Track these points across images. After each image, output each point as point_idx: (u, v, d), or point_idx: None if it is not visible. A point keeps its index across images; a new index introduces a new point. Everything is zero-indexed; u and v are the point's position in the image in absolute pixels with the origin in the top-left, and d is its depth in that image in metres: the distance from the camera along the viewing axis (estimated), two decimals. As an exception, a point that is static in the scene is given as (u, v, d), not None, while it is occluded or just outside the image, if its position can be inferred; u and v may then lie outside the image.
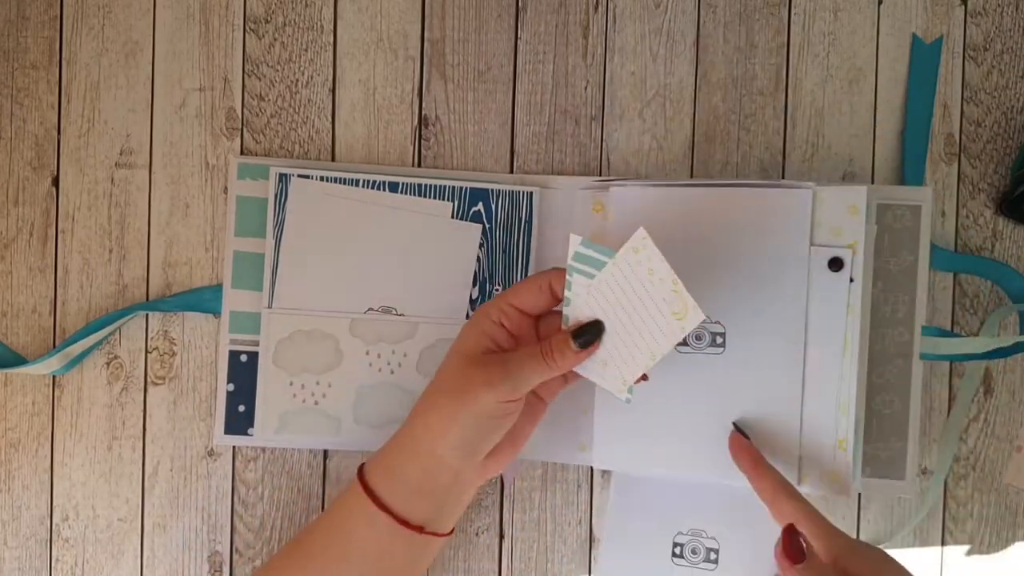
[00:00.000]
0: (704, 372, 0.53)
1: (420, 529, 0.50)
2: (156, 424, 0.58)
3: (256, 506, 0.58)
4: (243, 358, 0.57)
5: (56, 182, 0.58)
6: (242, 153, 0.58)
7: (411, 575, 0.52)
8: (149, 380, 0.58)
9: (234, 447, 0.58)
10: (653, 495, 0.55)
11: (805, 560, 0.44)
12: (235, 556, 0.58)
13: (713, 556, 0.54)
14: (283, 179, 0.57)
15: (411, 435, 0.50)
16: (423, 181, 0.57)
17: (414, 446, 0.50)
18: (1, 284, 0.58)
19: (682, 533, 0.55)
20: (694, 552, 0.54)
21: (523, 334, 0.51)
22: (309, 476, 0.58)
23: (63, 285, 0.58)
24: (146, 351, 0.58)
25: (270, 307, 0.57)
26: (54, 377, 0.58)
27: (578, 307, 0.49)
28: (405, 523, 0.50)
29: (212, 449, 0.58)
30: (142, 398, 0.58)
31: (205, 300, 0.58)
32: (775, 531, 0.46)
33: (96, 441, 0.58)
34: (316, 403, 0.57)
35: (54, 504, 0.58)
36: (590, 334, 0.48)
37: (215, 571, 0.58)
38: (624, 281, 0.47)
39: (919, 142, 0.57)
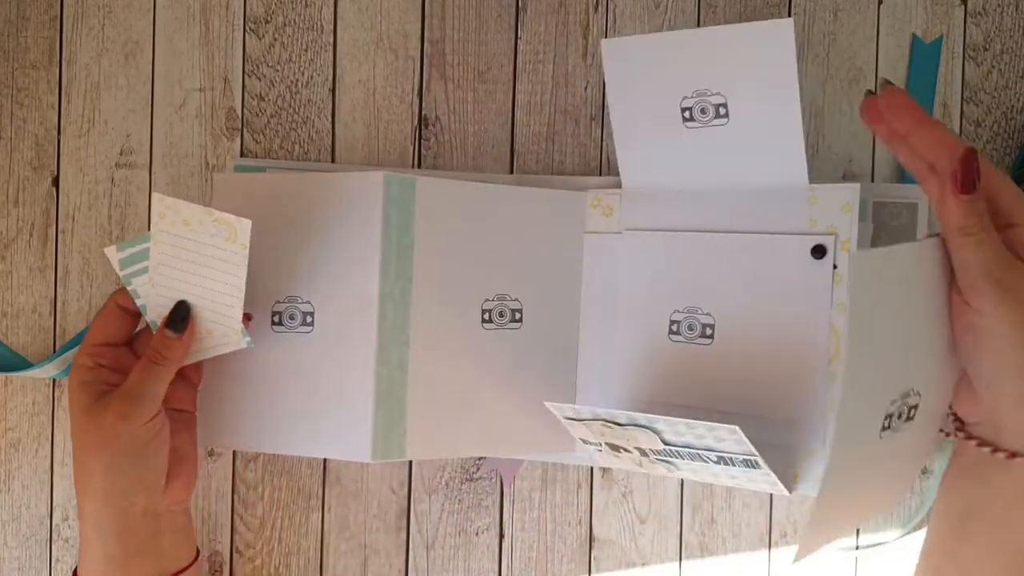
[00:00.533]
0: (693, 363, 0.53)
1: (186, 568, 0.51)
2: (156, 424, 0.58)
3: (256, 506, 0.58)
4: (240, 357, 0.57)
5: (56, 182, 0.58)
6: (242, 154, 0.58)
7: None
8: (149, 380, 0.58)
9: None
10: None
11: (975, 193, 0.38)
12: (235, 556, 0.58)
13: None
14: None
15: (84, 512, 0.49)
16: (421, 181, 0.57)
17: (95, 520, 0.49)
18: (1, 284, 0.58)
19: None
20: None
21: (126, 364, 0.50)
22: (309, 476, 0.58)
23: (63, 285, 0.58)
24: (146, 351, 0.58)
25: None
26: (54, 377, 0.58)
27: (156, 306, 0.49)
28: None
29: (212, 449, 0.58)
30: (142, 398, 0.58)
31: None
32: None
33: (96, 441, 0.58)
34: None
35: (54, 504, 0.58)
36: (179, 315, 0.49)
37: (215, 571, 0.58)
38: (173, 249, 0.48)
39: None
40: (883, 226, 0.56)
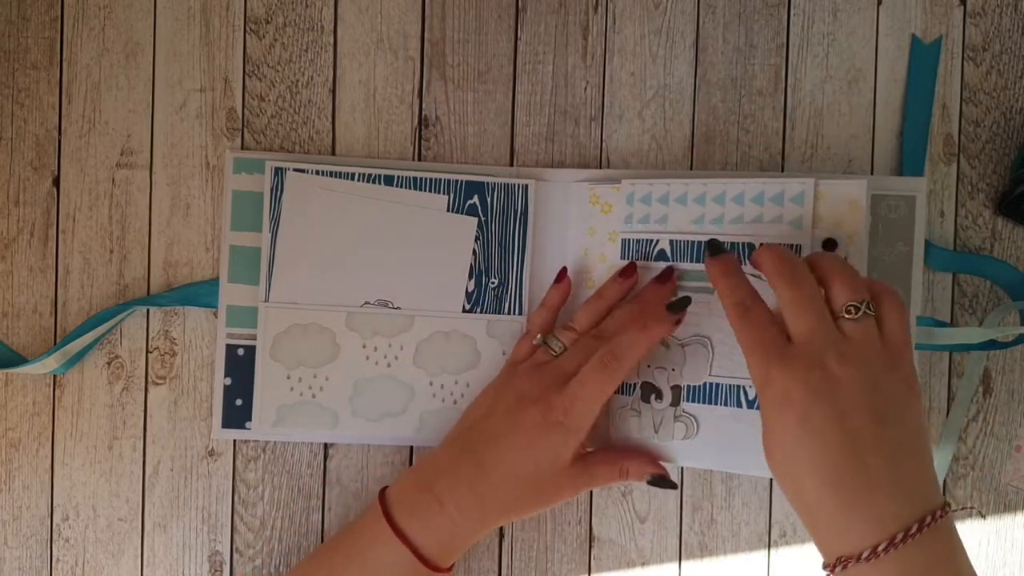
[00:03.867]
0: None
1: (448, 570, 0.52)
2: (156, 424, 0.58)
3: (256, 506, 0.58)
4: (240, 352, 0.57)
5: (57, 182, 0.58)
6: (242, 153, 0.58)
7: None
8: (150, 380, 0.58)
9: (235, 442, 0.58)
10: None
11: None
12: (235, 556, 0.58)
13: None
14: (278, 173, 0.57)
15: (455, 488, 0.51)
16: (419, 175, 0.57)
17: (457, 502, 0.51)
18: (1, 284, 0.58)
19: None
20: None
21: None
22: (309, 476, 0.58)
23: (64, 285, 0.58)
24: (147, 351, 0.58)
25: (267, 301, 0.57)
26: (55, 377, 0.58)
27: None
28: (434, 567, 0.51)
29: (212, 449, 0.58)
30: (143, 398, 0.58)
31: (202, 294, 0.58)
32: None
33: (96, 441, 0.58)
34: (313, 396, 0.57)
35: (54, 504, 0.58)
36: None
37: (215, 571, 0.58)
38: None
39: (918, 142, 0.58)
40: (881, 219, 0.56)
